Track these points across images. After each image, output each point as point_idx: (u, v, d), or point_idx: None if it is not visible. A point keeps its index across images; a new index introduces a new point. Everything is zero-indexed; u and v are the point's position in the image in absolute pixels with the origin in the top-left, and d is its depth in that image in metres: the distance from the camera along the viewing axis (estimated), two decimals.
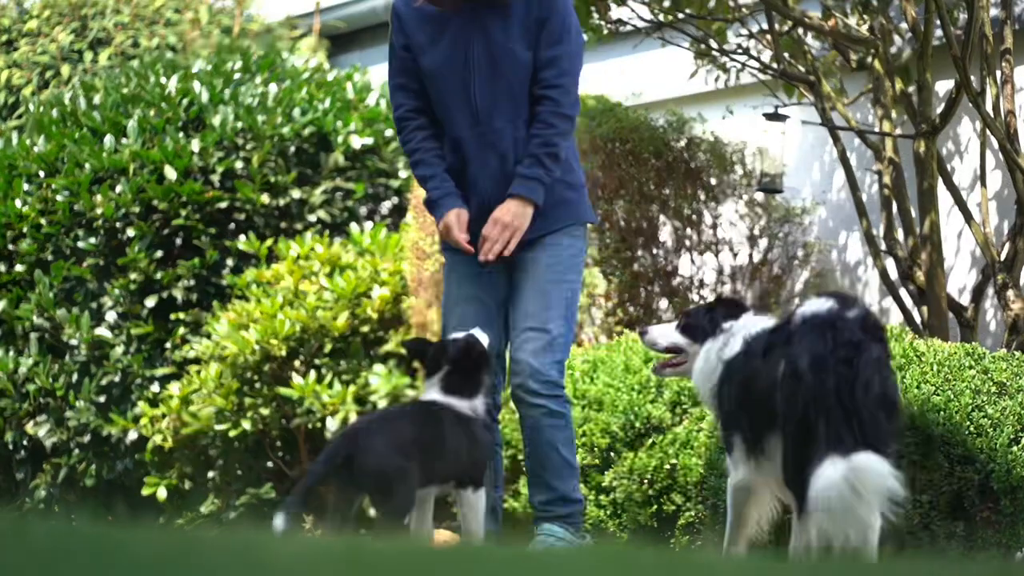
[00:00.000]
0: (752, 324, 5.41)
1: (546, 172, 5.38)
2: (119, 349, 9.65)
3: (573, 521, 5.50)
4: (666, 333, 5.50)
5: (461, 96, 5.43)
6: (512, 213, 5.34)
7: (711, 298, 9.32)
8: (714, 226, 9.22)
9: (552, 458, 5.40)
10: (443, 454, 5.15)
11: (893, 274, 8.84)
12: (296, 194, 9.93)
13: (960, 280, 9.00)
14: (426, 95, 5.52)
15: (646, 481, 6.86)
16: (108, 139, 9.86)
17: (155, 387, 9.60)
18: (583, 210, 5.64)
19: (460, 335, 5.34)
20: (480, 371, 5.26)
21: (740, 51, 8.65)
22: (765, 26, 8.58)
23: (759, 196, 9.29)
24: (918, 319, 8.37)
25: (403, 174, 10.24)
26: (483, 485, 5.23)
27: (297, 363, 9.25)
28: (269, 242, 9.63)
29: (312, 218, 9.96)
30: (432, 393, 5.29)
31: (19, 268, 9.93)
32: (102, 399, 9.69)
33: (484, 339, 5.31)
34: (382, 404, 9.04)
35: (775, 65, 8.52)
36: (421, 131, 5.51)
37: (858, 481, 4.55)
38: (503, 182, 5.43)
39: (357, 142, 10.14)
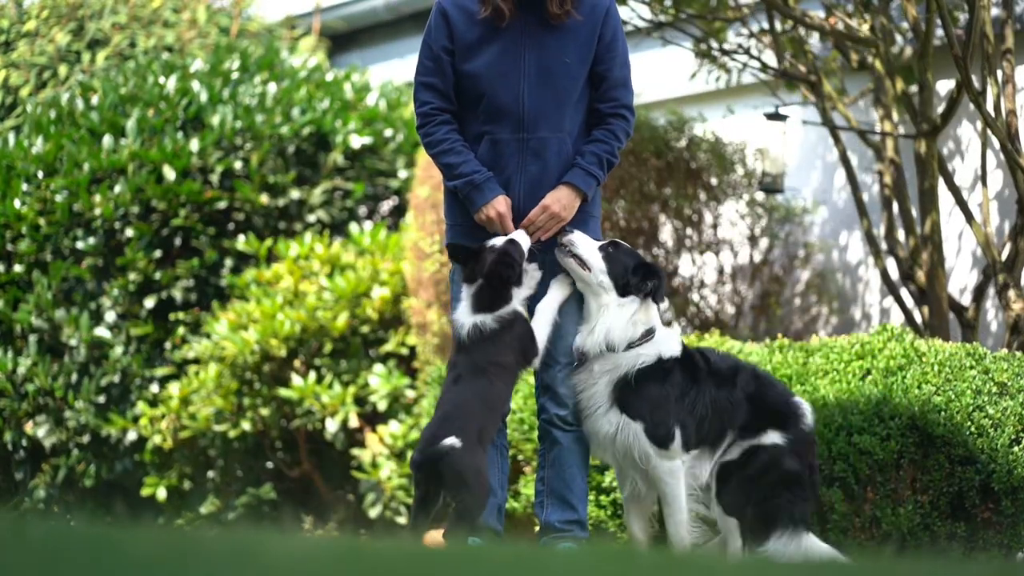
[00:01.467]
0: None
1: (603, 173, 5.48)
2: (118, 349, 9.64)
3: (581, 540, 5.62)
4: (589, 247, 5.44)
5: (509, 101, 5.46)
6: (562, 204, 5.42)
7: (710, 298, 9.31)
8: (715, 226, 9.21)
9: (577, 481, 5.56)
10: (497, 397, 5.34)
11: (894, 274, 8.83)
12: (295, 194, 9.92)
13: (961, 280, 8.99)
14: (452, 98, 5.56)
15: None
16: (107, 139, 9.85)
17: (154, 387, 9.59)
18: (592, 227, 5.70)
19: (499, 240, 5.37)
20: (509, 282, 5.31)
21: (741, 51, 8.64)
22: (766, 26, 8.57)
23: (760, 196, 9.28)
24: (919, 319, 8.35)
25: (403, 174, 10.24)
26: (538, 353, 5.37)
27: (297, 363, 9.24)
28: (269, 242, 9.62)
29: (311, 218, 9.95)
30: (462, 311, 5.36)
31: (18, 268, 9.92)
32: (101, 399, 9.68)
33: (525, 241, 5.37)
34: (382, 404, 9.03)
35: (776, 65, 8.51)
36: (447, 125, 5.55)
37: None
38: (539, 188, 5.47)
39: (356, 142, 10.13)
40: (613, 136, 5.50)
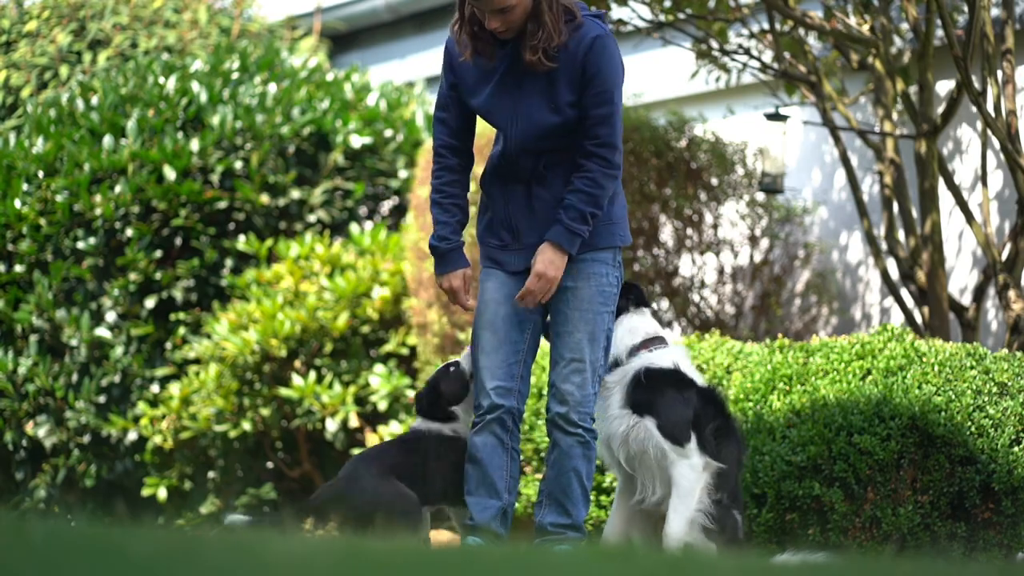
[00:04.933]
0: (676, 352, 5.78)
1: (587, 227, 5.45)
2: (119, 349, 9.64)
3: (578, 543, 5.61)
4: None
5: (509, 137, 5.52)
6: (553, 265, 5.44)
7: (710, 298, 9.31)
8: (715, 226, 9.21)
9: (574, 486, 5.52)
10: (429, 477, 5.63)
11: (894, 274, 8.83)
12: (296, 194, 9.92)
13: (961, 280, 8.99)
14: (465, 131, 5.62)
15: None
16: (107, 139, 9.85)
17: (155, 387, 9.59)
18: (623, 234, 5.73)
19: (460, 361, 5.72)
20: (450, 399, 5.69)
21: (741, 51, 8.64)
22: (766, 26, 8.57)
23: (760, 196, 9.28)
24: (919, 319, 8.36)
25: (403, 174, 10.24)
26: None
27: (297, 363, 9.24)
28: (269, 242, 9.62)
29: (312, 218, 9.95)
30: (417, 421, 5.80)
31: (18, 268, 9.92)
32: (102, 399, 9.68)
33: (466, 366, 5.66)
34: (382, 404, 9.03)
35: (776, 65, 8.51)
36: (449, 173, 5.60)
37: None
38: (529, 207, 5.55)
39: (357, 142, 10.13)
40: (593, 184, 5.42)
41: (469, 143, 5.65)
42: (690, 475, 5.49)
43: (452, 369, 5.72)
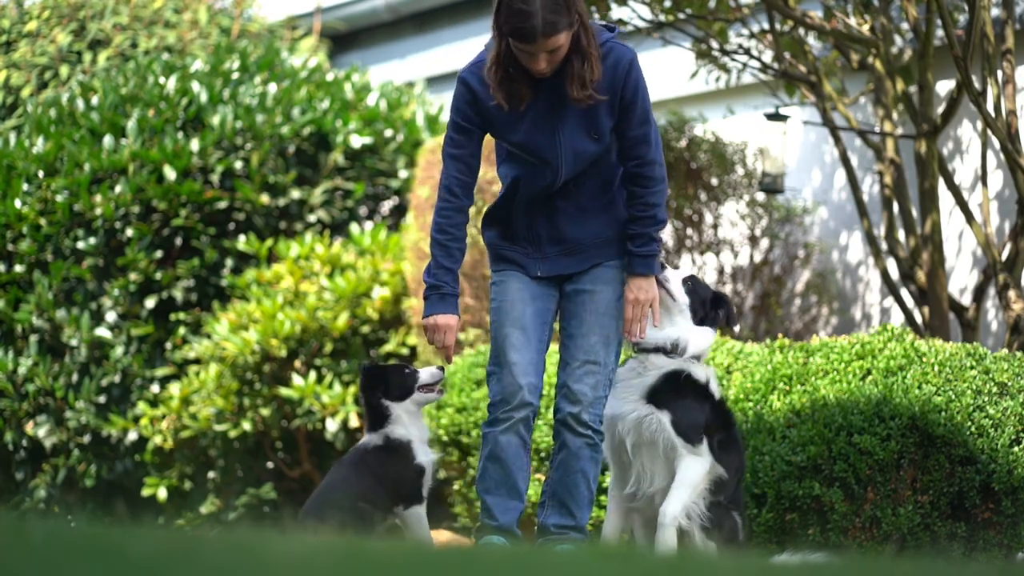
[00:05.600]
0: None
1: (658, 244, 5.53)
2: (119, 349, 9.64)
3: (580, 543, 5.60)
4: (676, 282, 5.76)
5: (545, 167, 5.47)
6: (642, 289, 5.51)
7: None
8: (715, 226, 9.20)
9: (580, 488, 5.51)
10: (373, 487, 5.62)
11: (894, 274, 8.83)
12: (296, 194, 9.92)
13: (961, 280, 8.99)
14: (477, 168, 5.58)
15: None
16: (107, 139, 9.85)
17: (155, 387, 9.59)
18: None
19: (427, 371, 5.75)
20: (379, 404, 5.66)
21: (741, 51, 8.64)
22: (766, 26, 8.56)
23: (760, 196, 9.28)
24: (919, 319, 8.35)
25: (403, 174, 10.24)
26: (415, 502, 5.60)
27: (297, 363, 9.24)
28: (269, 242, 9.62)
29: (312, 218, 9.95)
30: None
31: (18, 268, 9.92)
32: (102, 399, 9.68)
33: (427, 378, 5.69)
34: None
35: (776, 65, 8.51)
36: (458, 214, 5.54)
37: None
38: (550, 221, 5.56)
39: (357, 142, 10.13)
40: (647, 206, 5.47)
41: (476, 177, 5.60)
42: (697, 468, 5.53)
43: (407, 371, 5.72)
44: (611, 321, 5.53)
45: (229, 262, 9.74)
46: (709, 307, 5.75)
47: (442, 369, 5.77)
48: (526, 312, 5.53)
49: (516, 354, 5.47)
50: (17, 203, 9.90)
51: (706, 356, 5.77)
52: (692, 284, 5.74)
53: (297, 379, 9.05)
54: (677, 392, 5.59)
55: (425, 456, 5.62)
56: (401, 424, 5.62)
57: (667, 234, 9.13)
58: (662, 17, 8.60)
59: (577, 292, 5.55)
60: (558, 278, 5.61)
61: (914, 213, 8.35)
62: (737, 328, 5.83)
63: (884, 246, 8.61)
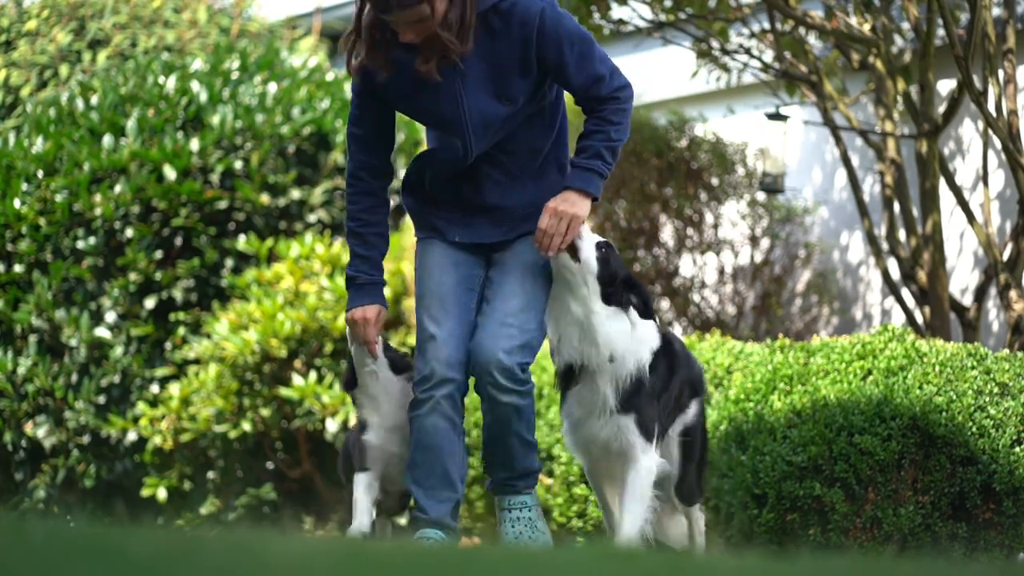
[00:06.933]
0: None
1: (604, 164, 4.99)
2: (118, 350, 9.63)
3: (531, 484, 5.26)
4: (589, 242, 5.10)
5: (454, 141, 5.05)
6: (568, 202, 4.95)
7: (711, 298, 9.30)
8: (715, 226, 9.20)
9: (515, 445, 5.14)
10: None
11: (895, 274, 8.82)
12: (296, 194, 9.91)
13: (962, 280, 8.98)
14: (383, 145, 5.16)
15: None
16: (107, 139, 9.84)
17: (155, 388, 9.58)
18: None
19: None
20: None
21: (742, 51, 8.63)
22: (767, 25, 8.56)
23: (761, 196, 9.28)
24: (920, 319, 8.35)
25: (403, 173, 10.22)
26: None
27: (297, 364, 9.23)
28: (269, 242, 9.61)
29: (312, 218, 9.94)
30: None
31: (18, 269, 9.91)
32: (101, 400, 9.67)
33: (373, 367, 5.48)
34: None
35: (777, 65, 8.50)
36: (368, 198, 5.15)
37: None
38: (477, 189, 5.13)
39: None
40: (605, 122, 4.97)
41: (387, 157, 5.19)
42: (647, 478, 5.12)
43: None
44: (537, 291, 5.08)
45: (229, 262, 9.73)
46: (621, 287, 5.09)
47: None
48: (445, 280, 5.16)
49: (433, 326, 5.10)
50: (16, 203, 9.89)
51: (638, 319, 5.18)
52: (606, 252, 5.11)
53: (297, 379, 9.04)
54: (634, 387, 5.10)
55: (375, 437, 5.44)
56: (363, 406, 5.51)
57: (668, 234, 9.12)
58: (662, 17, 8.59)
59: (502, 260, 5.14)
60: (485, 248, 5.19)
61: (915, 213, 8.34)
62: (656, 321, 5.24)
63: (885, 246, 8.61)
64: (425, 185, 5.21)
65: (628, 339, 5.08)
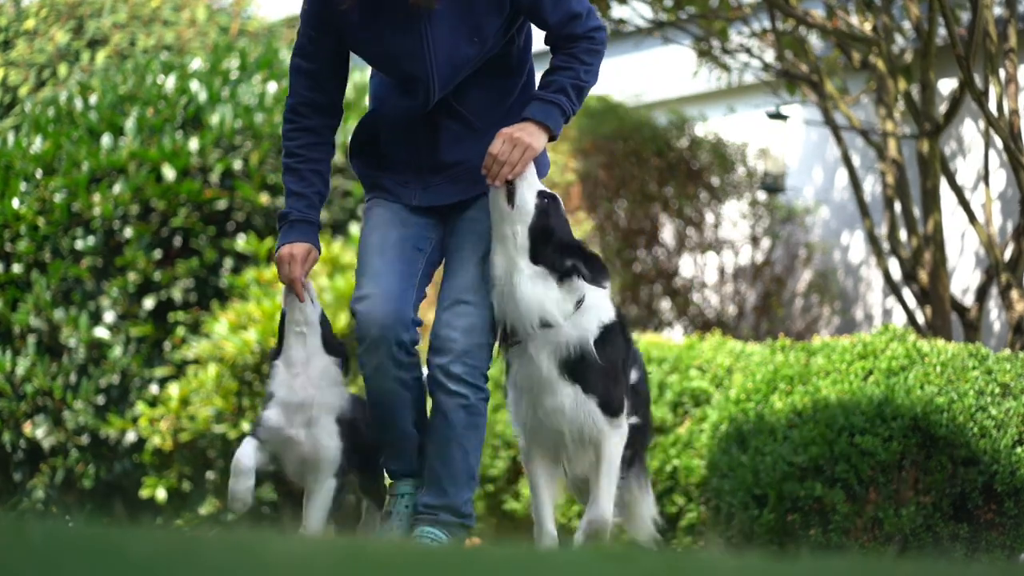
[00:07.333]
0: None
1: (569, 102, 4.58)
2: (117, 350, 9.62)
3: (456, 535, 4.72)
4: (531, 185, 4.66)
5: (414, 84, 4.61)
6: (526, 130, 4.52)
7: (711, 298, 9.28)
8: (716, 226, 9.19)
9: (456, 460, 4.65)
10: None
11: (896, 274, 8.81)
12: None
13: (964, 280, 8.97)
14: (334, 83, 4.72)
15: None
16: (106, 138, 9.83)
17: (154, 388, 9.57)
18: (541, 164, 4.78)
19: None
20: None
21: (742, 50, 8.62)
22: (768, 25, 8.55)
23: (761, 196, 9.27)
24: (921, 319, 8.33)
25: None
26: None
27: None
28: (269, 242, 9.60)
29: None
30: None
31: (16, 269, 9.90)
32: (100, 400, 9.66)
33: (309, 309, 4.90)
34: None
35: (777, 64, 8.49)
36: (308, 134, 4.73)
37: None
38: (433, 144, 4.69)
39: None
40: (576, 60, 4.58)
41: (338, 97, 4.74)
42: (617, 450, 4.77)
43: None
44: None
45: (228, 262, 9.72)
46: (555, 247, 4.61)
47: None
48: (389, 236, 4.69)
49: (371, 284, 4.62)
50: (15, 203, 9.88)
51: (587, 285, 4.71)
52: (547, 204, 4.65)
53: None
54: (590, 362, 4.66)
55: (275, 414, 4.83)
56: (272, 377, 4.92)
57: (668, 234, 9.11)
58: (663, 16, 8.58)
59: (459, 222, 4.71)
60: (442, 210, 4.76)
61: (916, 213, 8.33)
62: (607, 285, 4.74)
63: (886, 246, 8.60)
64: (379, 144, 4.79)
65: (557, 305, 4.58)
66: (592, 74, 4.63)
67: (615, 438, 4.71)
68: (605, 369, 4.68)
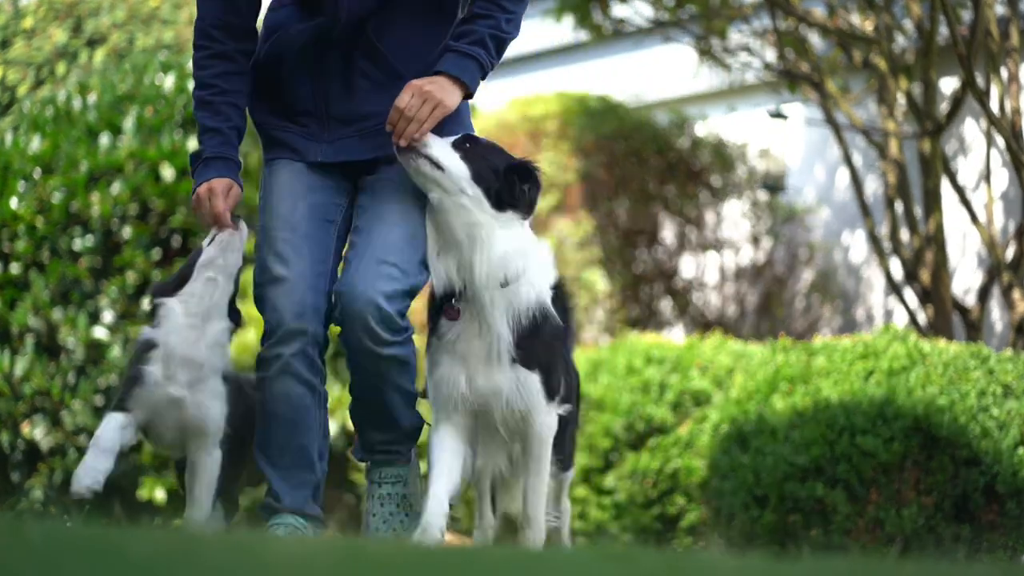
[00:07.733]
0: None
1: (488, 55, 4.11)
2: (116, 350, 9.61)
3: (412, 447, 4.36)
4: (442, 145, 4.11)
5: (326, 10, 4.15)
6: (437, 84, 4.03)
7: (712, 298, 9.27)
8: (717, 226, 9.18)
9: (396, 401, 4.23)
10: None
11: (897, 274, 8.80)
12: None
13: (965, 280, 8.96)
14: (248, 4, 4.24)
15: (648, 482, 6.81)
16: (104, 138, 9.82)
17: None
18: (467, 124, 4.32)
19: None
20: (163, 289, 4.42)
21: (743, 50, 8.61)
22: (768, 24, 8.54)
23: (762, 196, 9.26)
24: (923, 320, 8.32)
25: None
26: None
27: None
28: None
29: None
30: None
31: (14, 269, 9.88)
32: (99, 400, 9.65)
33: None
34: None
35: (778, 64, 8.48)
36: (222, 61, 4.21)
37: None
38: (347, 87, 4.20)
39: None
40: (496, 7, 4.12)
41: (252, 20, 4.25)
42: (548, 441, 4.22)
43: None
44: (420, 220, 4.12)
45: None
46: (510, 176, 4.08)
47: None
48: (297, 208, 4.18)
49: (280, 266, 4.13)
50: (13, 203, 9.86)
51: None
52: (470, 147, 4.11)
53: None
54: (535, 331, 4.13)
55: (160, 369, 4.33)
56: (159, 322, 4.35)
57: (669, 234, 9.09)
58: (664, 15, 8.57)
59: (377, 182, 4.20)
60: (352, 170, 4.25)
61: (917, 212, 8.32)
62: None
63: (887, 246, 8.58)
64: (281, 88, 4.25)
65: (524, 257, 4.10)
66: (515, 24, 4.16)
67: (550, 424, 4.17)
68: (550, 339, 4.14)
